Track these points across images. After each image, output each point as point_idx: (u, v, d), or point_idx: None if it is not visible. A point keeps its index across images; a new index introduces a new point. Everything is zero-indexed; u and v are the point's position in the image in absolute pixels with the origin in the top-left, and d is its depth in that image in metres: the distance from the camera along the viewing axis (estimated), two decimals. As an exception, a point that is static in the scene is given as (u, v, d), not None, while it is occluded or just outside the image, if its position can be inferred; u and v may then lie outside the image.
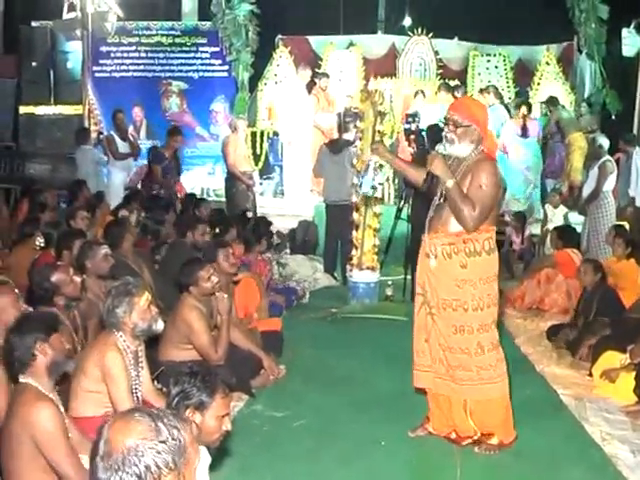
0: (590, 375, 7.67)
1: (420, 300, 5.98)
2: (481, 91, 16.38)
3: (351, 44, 18.57)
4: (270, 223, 11.59)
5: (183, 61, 18.41)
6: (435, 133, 11.64)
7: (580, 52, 17.84)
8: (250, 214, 12.20)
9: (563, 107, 16.47)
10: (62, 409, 4.39)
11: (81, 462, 4.24)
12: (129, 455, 2.42)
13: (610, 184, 11.94)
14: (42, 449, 4.15)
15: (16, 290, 5.59)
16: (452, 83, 17.21)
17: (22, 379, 4.32)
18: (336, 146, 12.08)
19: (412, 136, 11.66)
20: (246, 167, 14.16)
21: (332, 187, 11.97)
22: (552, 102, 16.29)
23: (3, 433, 4.29)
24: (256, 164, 17.25)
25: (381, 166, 10.43)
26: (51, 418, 4.17)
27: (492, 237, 5.77)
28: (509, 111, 16.19)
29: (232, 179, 13.93)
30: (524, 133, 15.95)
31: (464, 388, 5.79)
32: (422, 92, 16.31)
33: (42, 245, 8.61)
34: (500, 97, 16.18)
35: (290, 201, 16.31)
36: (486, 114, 6.02)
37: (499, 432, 5.92)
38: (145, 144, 16.39)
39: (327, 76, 16.77)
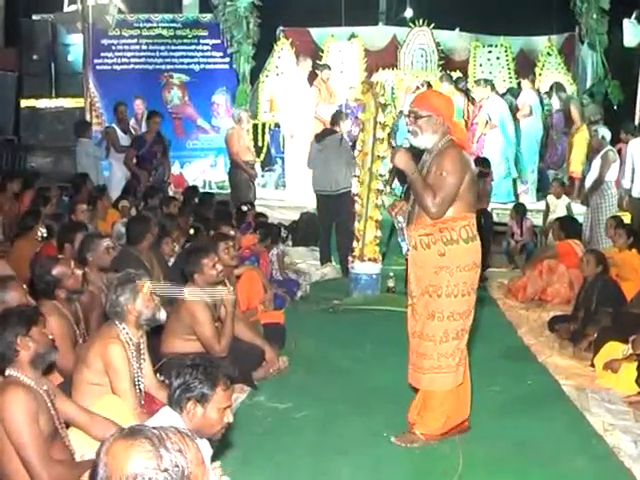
0: (592, 366, 7.66)
1: (408, 292, 6.02)
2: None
3: (352, 36, 18.58)
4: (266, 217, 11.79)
5: (184, 53, 18.41)
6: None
7: (582, 43, 17.83)
8: (244, 207, 12.20)
9: (572, 96, 16.53)
10: (47, 400, 4.40)
11: (48, 455, 4.24)
12: None
13: (613, 174, 11.95)
14: (8, 434, 4.15)
15: (24, 286, 5.60)
16: (454, 74, 17.22)
17: (7, 372, 4.37)
18: (320, 135, 12.20)
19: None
20: (249, 157, 14.22)
21: (317, 177, 12.18)
22: (562, 88, 16.30)
23: None
24: (258, 156, 17.29)
25: (382, 158, 10.45)
26: (20, 403, 4.17)
27: (470, 224, 5.72)
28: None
29: (235, 169, 13.98)
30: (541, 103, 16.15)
31: (424, 377, 5.81)
32: (428, 83, 16.30)
33: (44, 236, 8.63)
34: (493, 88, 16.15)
35: (292, 193, 16.32)
36: (449, 105, 6.02)
37: (421, 422, 5.93)
38: (146, 137, 16.41)
39: (329, 68, 16.77)
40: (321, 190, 12.05)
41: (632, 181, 12.26)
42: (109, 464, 2.35)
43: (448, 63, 18.12)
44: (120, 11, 17.94)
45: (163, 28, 18.31)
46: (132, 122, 15.85)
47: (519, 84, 17.46)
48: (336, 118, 12.29)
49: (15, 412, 4.15)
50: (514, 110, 16.11)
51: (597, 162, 12.02)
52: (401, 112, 13.96)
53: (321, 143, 12.00)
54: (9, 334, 4.36)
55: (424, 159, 5.87)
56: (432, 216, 5.62)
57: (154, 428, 2.50)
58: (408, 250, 5.97)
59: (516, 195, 16.01)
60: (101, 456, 2.39)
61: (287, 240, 13.11)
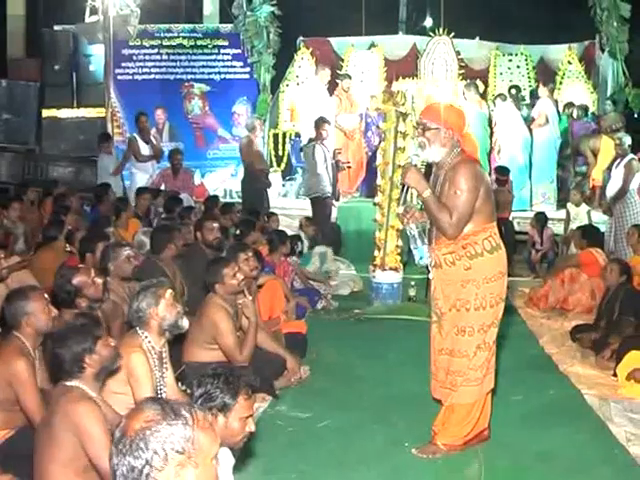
0: (615, 375, 7.62)
1: (432, 309, 5.99)
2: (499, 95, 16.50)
3: (372, 45, 18.56)
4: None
5: (205, 63, 18.46)
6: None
7: (602, 51, 17.74)
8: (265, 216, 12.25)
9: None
10: (103, 410, 4.44)
11: None
12: (136, 439, 2.43)
13: (636, 183, 11.88)
14: (86, 447, 4.17)
15: (46, 295, 5.62)
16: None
17: (71, 383, 4.38)
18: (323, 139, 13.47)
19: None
20: (263, 166, 14.30)
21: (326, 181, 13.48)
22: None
23: (40, 434, 4.34)
24: (278, 165, 17.37)
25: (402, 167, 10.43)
26: (96, 416, 4.22)
27: (492, 235, 5.69)
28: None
29: (248, 179, 14.07)
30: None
31: (454, 393, 5.76)
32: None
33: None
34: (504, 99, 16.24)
35: (313, 202, 16.32)
36: (460, 117, 5.94)
37: (444, 432, 5.88)
38: (167, 146, 16.46)
39: (349, 77, 16.77)
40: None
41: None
42: (123, 425, 2.51)
43: (468, 72, 18.06)
44: (141, 21, 18.00)
45: (184, 38, 18.36)
46: (153, 132, 15.88)
47: (536, 92, 17.36)
48: (319, 123, 13.19)
49: (93, 425, 4.18)
50: (530, 120, 16.10)
51: (619, 171, 11.95)
52: None
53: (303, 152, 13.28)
54: (76, 351, 4.37)
55: (435, 174, 5.84)
56: (449, 237, 5.59)
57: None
58: (421, 259, 5.93)
59: (531, 203, 15.97)
60: (120, 422, 2.56)
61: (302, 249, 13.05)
